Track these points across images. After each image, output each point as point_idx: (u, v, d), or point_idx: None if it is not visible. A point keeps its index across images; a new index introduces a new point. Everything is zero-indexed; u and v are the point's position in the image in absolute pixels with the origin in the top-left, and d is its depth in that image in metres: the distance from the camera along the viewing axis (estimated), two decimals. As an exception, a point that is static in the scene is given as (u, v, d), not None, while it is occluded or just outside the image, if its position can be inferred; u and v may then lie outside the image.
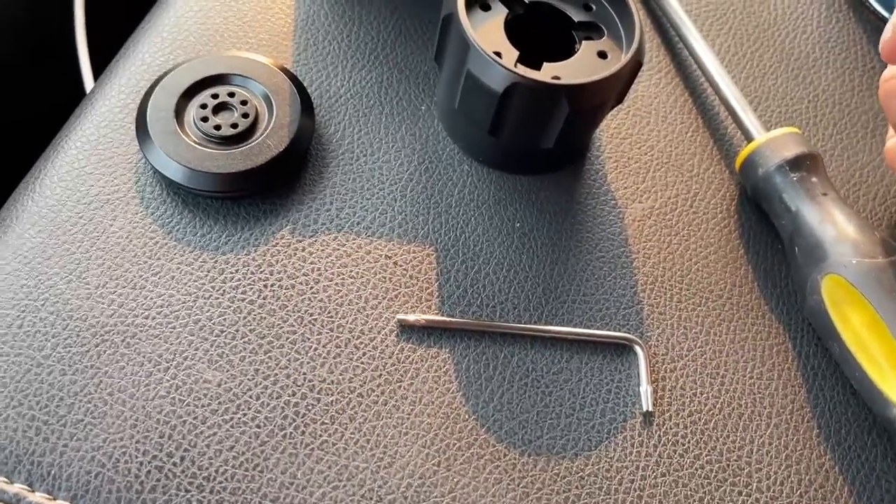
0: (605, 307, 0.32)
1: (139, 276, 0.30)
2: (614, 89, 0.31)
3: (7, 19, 0.41)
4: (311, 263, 0.31)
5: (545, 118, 0.30)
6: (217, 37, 0.36)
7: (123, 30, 0.40)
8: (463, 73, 0.30)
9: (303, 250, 0.31)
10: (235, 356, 0.29)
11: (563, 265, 0.32)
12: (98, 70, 0.40)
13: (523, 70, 0.29)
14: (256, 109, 0.32)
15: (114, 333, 0.29)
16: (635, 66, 0.31)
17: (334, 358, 0.29)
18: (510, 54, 0.30)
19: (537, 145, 0.32)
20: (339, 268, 0.31)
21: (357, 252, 0.32)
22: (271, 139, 0.31)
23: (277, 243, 0.31)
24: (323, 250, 0.31)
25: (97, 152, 0.32)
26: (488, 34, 0.31)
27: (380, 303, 0.31)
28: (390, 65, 0.36)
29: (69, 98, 0.40)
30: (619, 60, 0.31)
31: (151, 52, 0.35)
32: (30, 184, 0.32)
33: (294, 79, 0.33)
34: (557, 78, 0.30)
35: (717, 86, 0.36)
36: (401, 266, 0.31)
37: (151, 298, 0.29)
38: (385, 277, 0.31)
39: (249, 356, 0.29)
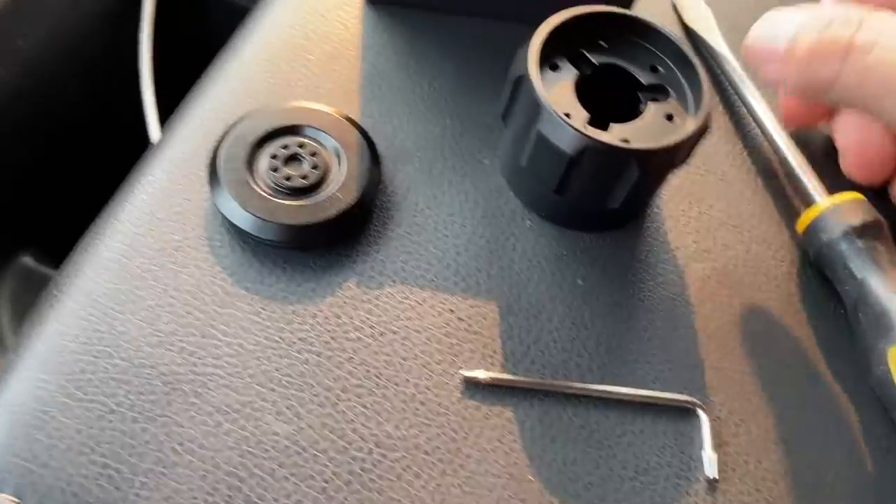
0: (668, 368, 0.32)
1: (209, 325, 0.30)
2: (683, 153, 0.31)
3: (75, 69, 0.42)
4: (377, 316, 0.31)
5: (613, 180, 0.31)
6: (284, 85, 0.37)
7: (188, 76, 0.41)
8: (532, 133, 0.31)
9: (368, 302, 0.32)
10: (303, 408, 0.29)
11: (624, 324, 0.32)
12: (163, 115, 0.41)
13: (594, 132, 0.29)
14: (326, 161, 0.33)
15: (184, 382, 0.29)
16: (703, 129, 0.31)
17: (400, 413, 0.29)
18: (580, 115, 0.31)
19: (603, 205, 0.32)
20: (403, 321, 0.31)
21: (421, 305, 0.32)
22: (341, 192, 0.32)
23: (344, 295, 0.32)
24: (388, 303, 0.32)
25: (167, 199, 0.33)
26: (558, 95, 0.31)
27: (444, 358, 0.31)
28: (453, 118, 0.37)
29: (134, 142, 0.41)
30: (685, 122, 0.31)
31: (221, 99, 0.36)
32: (100, 229, 0.32)
33: (362, 131, 0.34)
34: (626, 140, 0.30)
35: (777, 146, 0.37)
36: (464, 321, 0.32)
37: (221, 347, 0.30)
38: (449, 332, 0.31)
39: (317, 409, 0.29)
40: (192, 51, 0.49)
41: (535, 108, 0.30)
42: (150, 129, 0.40)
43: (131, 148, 0.41)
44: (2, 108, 0.38)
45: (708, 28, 0.42)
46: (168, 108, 0.40)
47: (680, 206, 0.36)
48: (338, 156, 0.33)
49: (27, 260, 0.41)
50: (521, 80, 0.31)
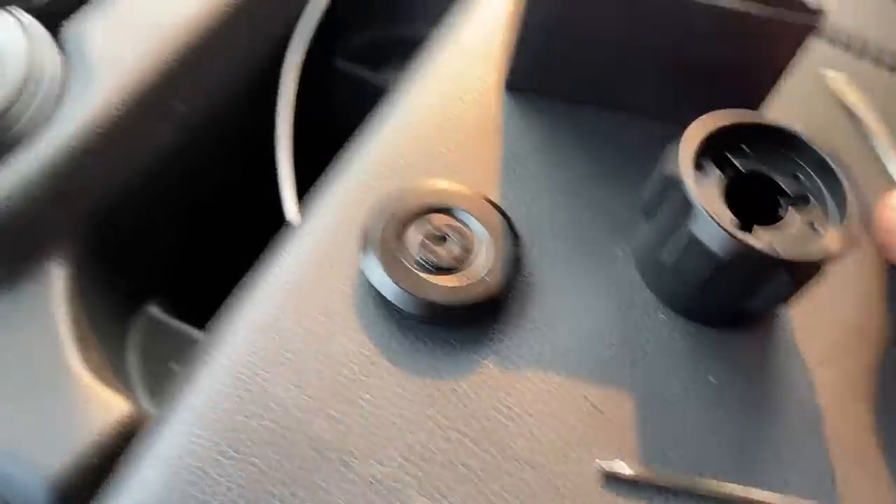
0: (800, 473, 0.32)
1: (356, 394, 0.31)
2: (831, 262, 0.31)
3: (221, 134, 0.44)
4: (514, 397, 0.32)
5: (759, 284, 0.31)
6: (425, 165, 0.38)
7: (315, 148, 0.43)
8: (682, 234, 0.32)
9: (506, 383, 0.32)
10: (443, 484, 0.29)
11: (757, 424, 0.33)
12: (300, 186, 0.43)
13: (746, 238, 0.30)
14: (471, 242, 0.34)
15: (331, 450, 0.30)
16: (853, 242, 0.31)
17: (538, 499, 0.30)
18: (726, 218, 0.31)
19: (744, 306, 0.33)
20: (540, 405, 0.32)
21: (557, 390, 0.32)
22: (487, 274, 0.33)
23: (482, 373, 0.32)
24: (524, 384, 0.32)
25: (316, 266, 0.34)
26: (705, 196, 0.32)
27: (580, 445, 0.31)
28: (588, 207, 0.38)
29: (265, 208, 0.43)
30: (826, 230, 0.32)
31: (365, 173, 0.37)
32: (251, 292, 0.34)
33: (504, 215, 0.35)
34: (771, 245, 0.31)
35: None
36: (598, 409, 0.32)
37: (367, 417, 0.30)
38: (583, 420, 0.32)
39: (457, 486, 0.29)
40: (317, 124, 0.51)
41: (687, 209, 0.31)
42: (285, 197, 0.42)
43: (263, 213, 0.43)
44: (157, 166, 0.40)
45: (865, 110, 0.42)
46: (304, 177, 0.42)
47: (810, 308, 0.36)
48: (482, 238, 0.34)
49: (153, 309, 0.42)
50: (671, 180, 0.32)
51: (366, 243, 0.34)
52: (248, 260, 0.36)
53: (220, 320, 0.33)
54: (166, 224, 0.42)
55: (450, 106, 0.41)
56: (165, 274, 0.43)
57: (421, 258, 0.33)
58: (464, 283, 0.33)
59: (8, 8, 0.35)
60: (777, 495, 0.31)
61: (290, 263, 0.34)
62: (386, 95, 0.42)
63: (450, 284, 0.33)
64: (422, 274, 0.33)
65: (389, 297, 0.32)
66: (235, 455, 0.29)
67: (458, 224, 0.35)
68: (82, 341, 0.34)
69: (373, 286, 0.33)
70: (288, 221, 0.41)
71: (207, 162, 0.43)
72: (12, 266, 0.34)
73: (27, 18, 0.38)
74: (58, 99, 0.37)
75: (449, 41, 0.44)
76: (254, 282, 0.34)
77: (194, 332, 0.42)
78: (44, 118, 0.36)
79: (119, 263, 0.39)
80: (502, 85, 0.42)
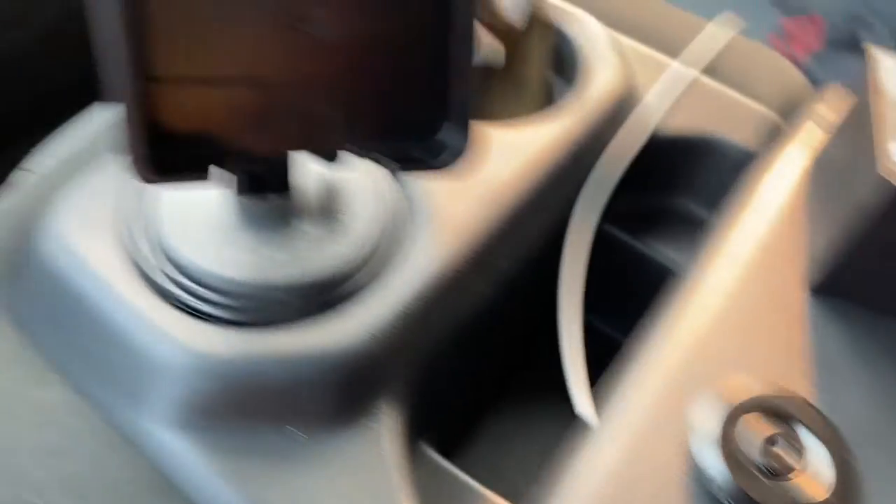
0: None
1: None
2: None
3: (521, 287, 0.46)
4: None
5: None
6: (737, 357, 0.39)
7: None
8: None
9: None
10: None
11: None
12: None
13: None
14: (806, 450, 0.34)
15: None
16: None
17: None
18: None
19: None
20: None
21: None
22: (832, 491, 0.33)
23: None
24: None
25: (643, 452, 0.35)
26: None
27: None
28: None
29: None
30: None
31: (679, 360, 0.38)
32: (574, 466, 0.34)
33: (833, 425, 0.35)
34: None
35: None
36: None
37: None
38: None
39: None
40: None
41: None
42: (573, 384, 0.42)
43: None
44: (473, 317, 0.42)
45: None
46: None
47: None
48: (814, 446, 0.34)
49: (425, 447, 0.43)
50: None
51: (700, 439, 0.34)
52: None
53: (543, 492, 0.34)
54: (461, 370, 0.44)
55: (753, 299, 0.41)
56: (443, 414, 0.45)
57: (761, 461, 0.33)
58: (808, 497, 0.32)
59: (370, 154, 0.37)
60: None
61: (616, 447, 0.35)
62: (680, 279, 0.44)
63: (793, 495, 0.32)
64: (762, 478, 0.33)
65: (733, 500, 0.32)
66: None
67: (792, 428, 0.35)
68: (408, 480, 0.35)
69: (714, 483, 0.33)
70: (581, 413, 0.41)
71: (506, 315, 0.44)
72: (355, 402, 0.36)
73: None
74: (404, 243, 0.39)
75: (737, 226, 0.45)
76: (576, 462, 0.35)
77: (461, 475, 0.43)
78: (392, 260, 0.38)
79: (422, 406, 0.40)
80: (804, 283, 0.42)
